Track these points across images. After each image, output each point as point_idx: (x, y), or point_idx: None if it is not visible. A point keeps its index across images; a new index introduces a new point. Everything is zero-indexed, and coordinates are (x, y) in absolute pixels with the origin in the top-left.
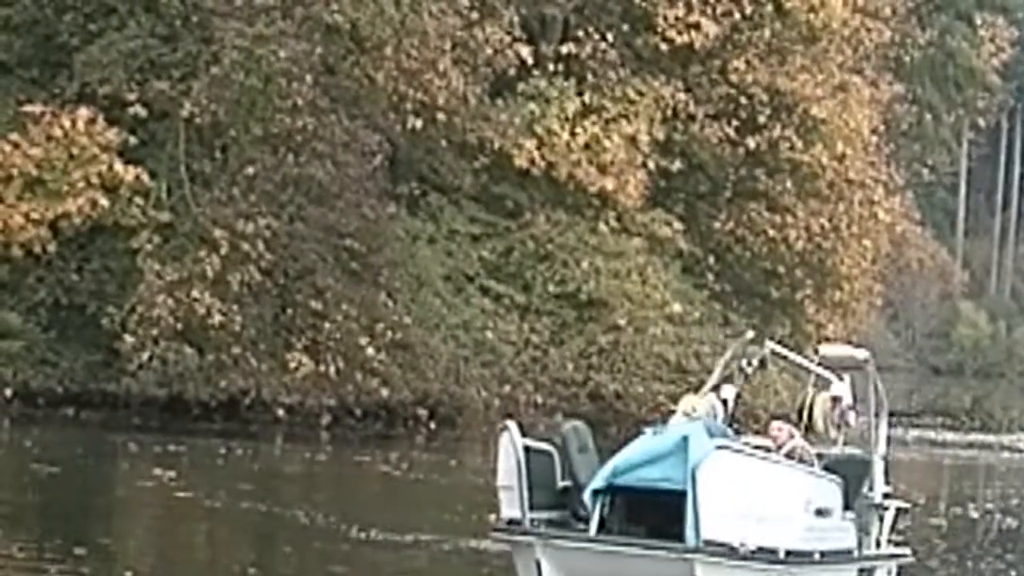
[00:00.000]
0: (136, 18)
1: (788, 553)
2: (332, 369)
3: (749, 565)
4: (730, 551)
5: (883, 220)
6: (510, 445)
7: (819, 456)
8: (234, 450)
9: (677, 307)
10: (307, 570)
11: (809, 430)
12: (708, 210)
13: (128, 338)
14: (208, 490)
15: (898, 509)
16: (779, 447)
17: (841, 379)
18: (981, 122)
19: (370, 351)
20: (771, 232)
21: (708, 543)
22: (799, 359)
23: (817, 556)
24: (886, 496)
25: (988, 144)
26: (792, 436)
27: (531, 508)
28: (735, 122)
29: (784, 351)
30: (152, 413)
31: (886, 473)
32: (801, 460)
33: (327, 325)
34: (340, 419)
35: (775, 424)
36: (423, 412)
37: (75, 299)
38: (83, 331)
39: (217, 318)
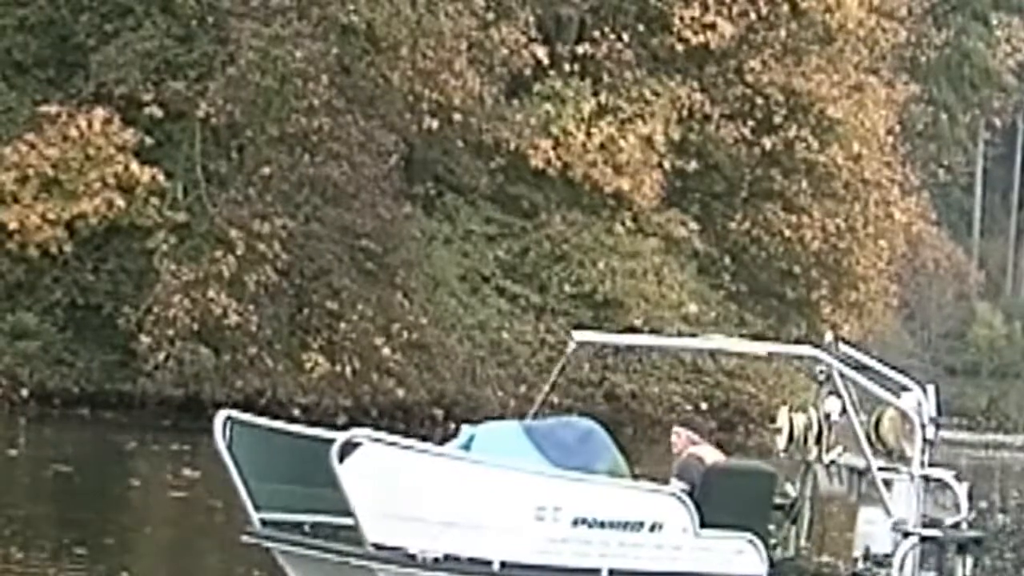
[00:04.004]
0: (152, 18)
1: (506, 565)
2: (348, 369)
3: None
4: (407, 557)
5: (899, 220)
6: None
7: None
8: None
9: (693, 307)
10: None
11: (884, 446)
12: (724, 210)
13: (144, 338)
14: (223, 490)
15: (926, 539)
16: (678, 454)
17: (923, 388)
18: (997, 122)
19: (386, 351)
20: (787, 232)
21: (380, 547)
22: (875, 364)
23: (605, 573)
24: (932, 524)
25: (1004, 144)
26: (693, 443)
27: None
28: (751, 122)
29: (856, 355)
30: (168, 413)
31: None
32: (686, 471)
33: (343, 325)
34: (356, 419)
35: (675, 429)
36: (439, 412)
37: (91, 299)
38: (99, 331)
39: (233, 318)
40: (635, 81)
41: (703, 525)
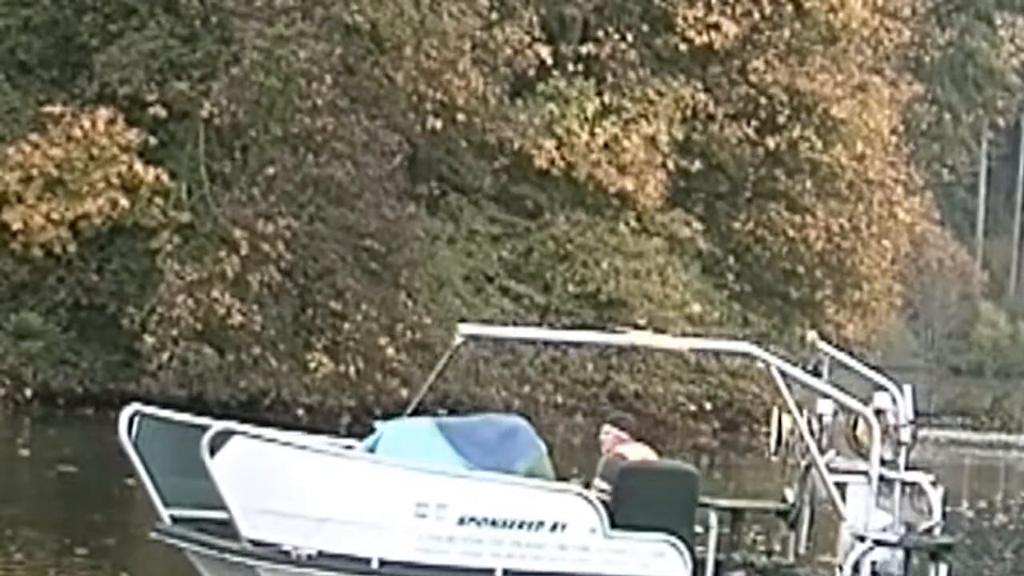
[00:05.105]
0: (156, 19)
1: (385, 563)
2: (352, 369)
3: (309, 572)
4: (281, 554)
5: (903, 220)
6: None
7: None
8: None
9: (697, 307)
10: None
11: (860, 448)
12: (728, 210)
13: (148, 338)
14: None
15: (878, 543)
16: (606, 452)
17: (900, 388)
18: (1001, 122)
19: (390, 351)
20: (791, 232)
21: (255, 543)
22: (854, 364)
23: (499, 573)
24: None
25: (1007, 144)
26: (621, 442)
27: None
28: (755, 122)
29: (839, 355)
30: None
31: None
32: (609, 471)
33: (347, 325)
34: (360, 419)
35: (604, 428)
36: (443, 412)
37: (95, 299)
38: (103, 331)
39: (237, 318)
40: (639, 81)
41: (617, 526)
